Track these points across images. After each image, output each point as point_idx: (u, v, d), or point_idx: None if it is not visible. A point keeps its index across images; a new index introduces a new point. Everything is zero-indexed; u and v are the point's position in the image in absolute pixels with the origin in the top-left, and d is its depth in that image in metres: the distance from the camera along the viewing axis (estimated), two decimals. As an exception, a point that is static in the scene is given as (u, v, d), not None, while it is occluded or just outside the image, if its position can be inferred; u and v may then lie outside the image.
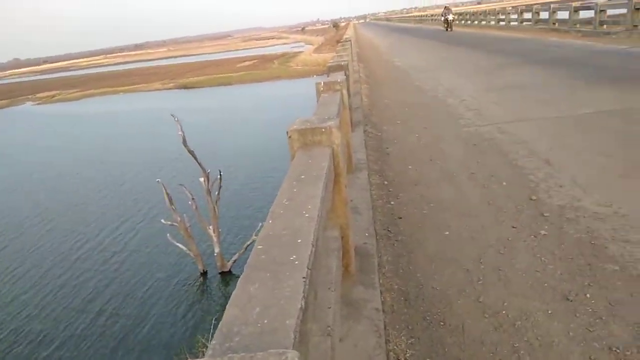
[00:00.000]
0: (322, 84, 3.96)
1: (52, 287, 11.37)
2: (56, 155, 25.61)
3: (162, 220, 12.08)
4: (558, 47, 13.32)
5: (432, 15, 50.67)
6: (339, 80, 3.95)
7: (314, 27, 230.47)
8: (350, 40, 11.17)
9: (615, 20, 14.54)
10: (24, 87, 79.14)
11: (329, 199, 2.00)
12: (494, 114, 6.41)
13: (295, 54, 68.09)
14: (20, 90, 72.27)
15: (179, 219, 11.58)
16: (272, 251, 1.21)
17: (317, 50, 64.42)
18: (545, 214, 3.35)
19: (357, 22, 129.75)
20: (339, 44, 10.71)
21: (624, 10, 13.66)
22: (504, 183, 4.01)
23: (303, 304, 0.98)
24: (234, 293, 1.02)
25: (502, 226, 3.28)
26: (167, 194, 11.82)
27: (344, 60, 5.85)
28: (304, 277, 1.06)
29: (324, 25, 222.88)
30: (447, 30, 27.45)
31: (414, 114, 7.35)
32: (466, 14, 34.56)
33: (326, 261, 2.02)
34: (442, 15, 28.75)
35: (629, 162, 4.10)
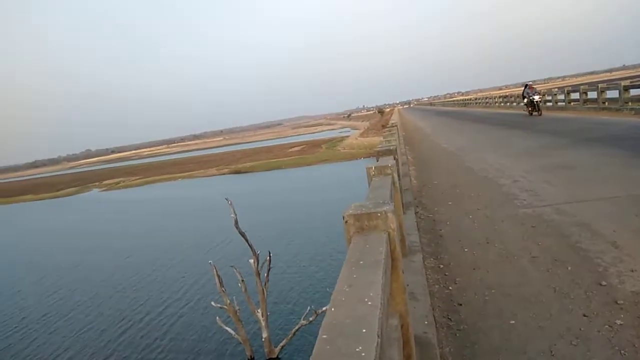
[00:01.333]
0: (373, 168, 4.06)
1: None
2: (113, 239, 26.93)
3: (213, 303, 12.13)
4: (609, 125, 13.05)
5: (475, 99, 51.68)
6: (389, 165, 4.04)
7: (360, 114, 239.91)
8: (396, 125, 11.51)
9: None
10: (92, 175, 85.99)
11: (388, 285, 1.97)
12: (549, 195, 6.22)
13: (342, 139, 70.53)
14: (90, 178, 78.53)
15: (228, 301, 11.58)
16: (337, 341, 1.20)
17: (363, 134, 66.51)
18: (619, 302, 3.10)
19: (401, 107, 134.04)
20: (385, 128, 11.05)
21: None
22: (569, 267, 3.78)
23: (374, 399, 0.95)
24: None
25: (572, 314, 3.05)
26: (218, 276, 11.97)
27: (392, 145, 6.00)
28: (372, 370, 1.04)
29: (369, 111, 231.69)
30: (531, 114, 21.44)
31: (465, 195, 7.26)
32: (510, 97, 34.98)
33: (388, 352, 1.94)
34: (526, 96, 21.95)
35: None
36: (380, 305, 1.41)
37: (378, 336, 1.22)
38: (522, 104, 24.22)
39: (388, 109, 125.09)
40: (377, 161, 5.58)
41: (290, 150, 68.72)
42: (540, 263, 3.98)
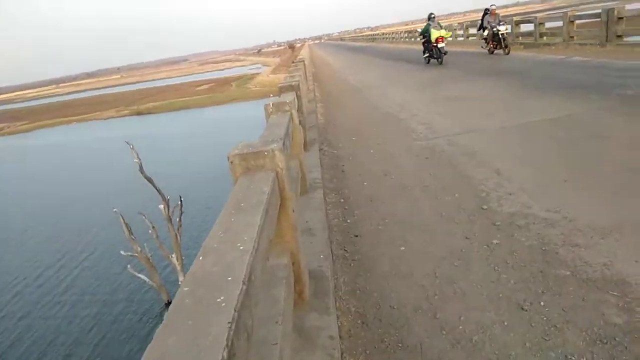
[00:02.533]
0: (271, 105, 3.90)
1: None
2: (2, 190, 24.28)
3: (122, 252, 11.57)
4: (501, 59, 13.90)
5: (383, 34, 52.30)
6: (287, 101, 3.90)
7: (270, 49, 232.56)
8: (303, 61, 11.23)
9: (554, 33, 15.37)
10: (-34, 121, 75.12)
11: (273, 225, 1.91)
12: (444, 127, 6.54)
13: (253, 76, 68.25)
14: (-37, 124, 68.58)
15: (139, 249, 11.14)
16: (197, 292, 1.11)
17: (274, 71, 64.80)
18: (496, 223, 3.39)
19: (312, 42, 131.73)
20: (293, 64, 10.77)
21: (560, 23, 14.47)
22: (456, 194, 4.05)
23: (225, 354, 0.88)
24: (147, 348, 0.92)
25: (456, 237, 3.29)
26: (126, 224, 11.37)
27: (295, 81, 5.83)
28: (229, 322, 0.97)
29: (280, 46, 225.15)
30: (492, 52, 15.31)
31: (368, 130, 7.41)
32: (414, 32, 35.75)
33: (272, 292, 1.92)
34: (487, 27, 15.40)
35: (572, 167, 4.24)
36: (253, 249, 1.33)
37: (243, 283, 1.15)
38: (481, 39, 16.91)
39: (299, 45, 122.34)
40: (280, 97, 5.41)
41: (198, 88, 65.17)
42: (431, 191, 4.22)
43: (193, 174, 20.67)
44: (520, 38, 17.40)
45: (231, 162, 2.20)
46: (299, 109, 5.69)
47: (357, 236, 3.57)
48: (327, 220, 3.80)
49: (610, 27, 11.64)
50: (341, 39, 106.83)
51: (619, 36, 11.58)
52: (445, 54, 14.87)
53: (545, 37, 15.70)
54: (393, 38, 42.83)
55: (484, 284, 2.68)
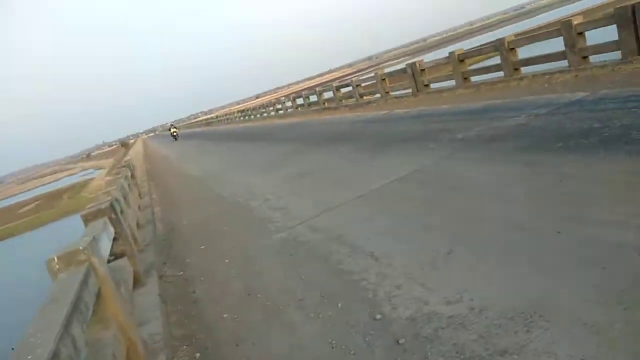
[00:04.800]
0: (56, 259, 2.63)
1: None
2: None
3: None
4: (332, 124, 14.32)
5: (217, 117, 52.75)
6: (80, 247, 2.68)
7: (102, 151, 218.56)
8: (128, 164, 9.83)
9: (371, 91, 16.64)
10: None
11: None
12: (299, 210, 5.86)
13: (87, 182, 62.00)
14: None
15: None
16: None
17: (110, 172, 59.85)
18: (400, 341, 2.60)
19: (146, 136, 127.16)
20: (114, 172, 9.30)
21: (375, 81, 15.71)
22: (339, 304, 3.22)
23: None
24: None
25: (360, 380, 2.40)
26: None
27: (107, 201, 4.58)
28: None
29: (112, 146, 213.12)
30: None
31: (218, 230, 6.37)
32: (247, 110, 36.55)
33: None
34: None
35: (448, 233, 3.79)
36: None
37: None
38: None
39: (132, 140, 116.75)
40: (86, 227, 4.10)
41: (22, 210, 56.35)
42: (309, 307, 3.33)
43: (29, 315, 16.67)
44: (343, 101, 18.55)
45: None
46: (120, 235, 4.43)
47: (225, 421, 2.44)
48: (179, 403, 2.60)
49: (417, 78, 12.86)
50: (177, 128, 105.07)
51: (426, 85, 12.82)
52: (177, 136, 40.60)
53: (364, 97, 16.90)
54: (228, 119, 43.26)
55: None
